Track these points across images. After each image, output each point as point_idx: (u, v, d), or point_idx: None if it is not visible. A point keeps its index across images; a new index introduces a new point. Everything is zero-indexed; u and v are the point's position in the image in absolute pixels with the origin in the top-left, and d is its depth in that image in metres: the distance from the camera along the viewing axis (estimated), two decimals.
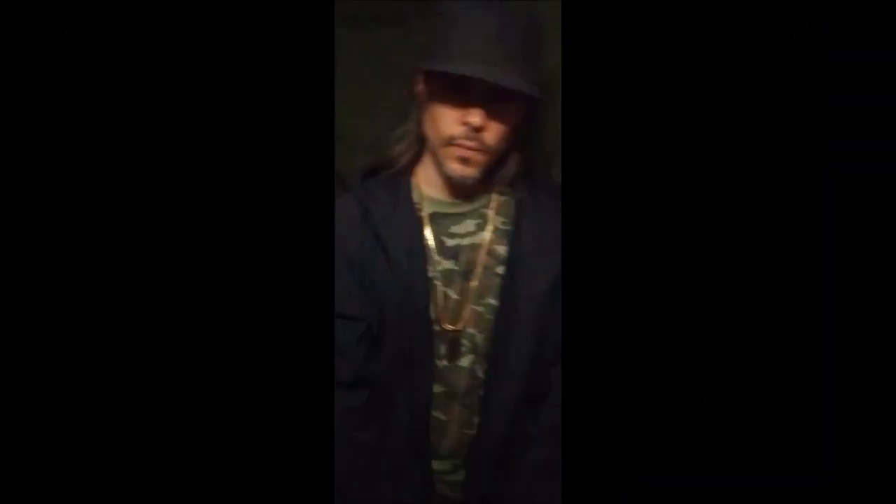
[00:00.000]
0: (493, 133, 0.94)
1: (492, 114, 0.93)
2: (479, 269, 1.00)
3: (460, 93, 0.93)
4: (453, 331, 0.99)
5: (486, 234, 1.01)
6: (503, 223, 1.02)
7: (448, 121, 0.94)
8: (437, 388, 0.99)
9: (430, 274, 0.99)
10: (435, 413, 0.99)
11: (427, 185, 1.03)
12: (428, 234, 1.01)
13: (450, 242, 1.01)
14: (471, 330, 0.99)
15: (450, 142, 0.95)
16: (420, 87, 0.99)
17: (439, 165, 0.99)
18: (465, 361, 0.99)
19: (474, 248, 1.01)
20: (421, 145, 1.02)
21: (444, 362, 0.99)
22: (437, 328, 0.99)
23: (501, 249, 1.01)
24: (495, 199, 1.03)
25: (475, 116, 0.92)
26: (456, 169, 0.96)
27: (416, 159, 1.03)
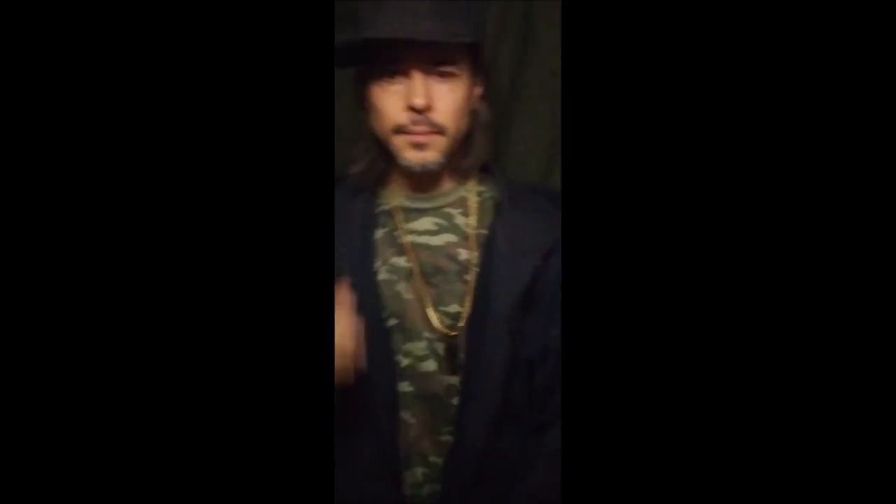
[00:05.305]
0: (443, 112, 0.88)
1: (436, 91, 0.87)
2: (440, 274, 0.94)
3: (396, 74, 0.87)
4: (448, 336, 0.92)
5: (448, 236, 0.95)
6: (468, 225, 0.95)
7: (391, 109, 0.88)
8: (404, 388, 0.92)
9: (377, 269, 0.93)
10: (403, 414, 0.92)
11: (396, 181, 0.97)
12: (379, 229, 0.95)
13: (404, 238, 0.94)
14: (431, 335, 0.93)
15: (399, 131, 0.89)
16: (358, 86, 0.92)
17: (395, 160, 0.91)
18: (432, 366, 0.93)
19: (433, 249, 0.94)
20: (379, 147, 0.94)
21: (418, 363, 0.93)
22: (399, 328, 0.93)
23: (465, 253, 0.94)
24: (466, 199, 0.97)
25: (418, 97, 0.86)
26: (411, 157, 0.89)
27: (384, 166, 0.96)
